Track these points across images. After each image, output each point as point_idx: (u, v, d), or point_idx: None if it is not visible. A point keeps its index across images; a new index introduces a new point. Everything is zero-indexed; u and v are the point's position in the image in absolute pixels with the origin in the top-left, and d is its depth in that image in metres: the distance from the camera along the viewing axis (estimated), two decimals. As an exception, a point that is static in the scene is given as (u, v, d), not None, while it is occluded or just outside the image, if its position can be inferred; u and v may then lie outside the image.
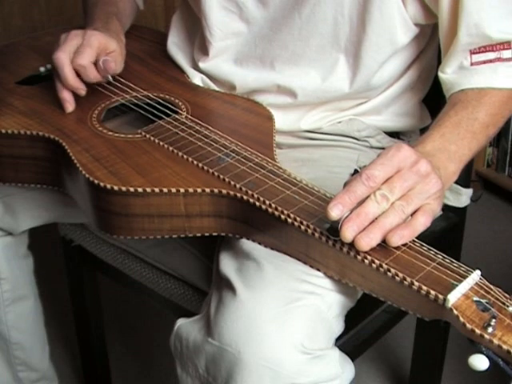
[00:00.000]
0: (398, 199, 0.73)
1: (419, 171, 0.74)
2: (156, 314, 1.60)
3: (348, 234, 0.71)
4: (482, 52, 0.91)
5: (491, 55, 0.91)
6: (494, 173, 2.12)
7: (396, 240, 0.72)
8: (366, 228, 0.72)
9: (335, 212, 0.71)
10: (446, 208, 1.18)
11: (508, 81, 0.91)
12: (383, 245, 0.72)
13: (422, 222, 0.74)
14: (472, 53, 0.91)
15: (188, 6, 1.13)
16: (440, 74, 0.96)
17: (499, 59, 0.91)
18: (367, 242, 0.71)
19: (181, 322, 0.84)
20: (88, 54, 0.98)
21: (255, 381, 0.76)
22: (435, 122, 0.88)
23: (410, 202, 0.73)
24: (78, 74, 0.98)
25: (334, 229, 0.74)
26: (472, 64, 0.91)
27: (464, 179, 1.16)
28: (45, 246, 1.36)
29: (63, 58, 0.97)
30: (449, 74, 0.94)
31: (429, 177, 0.75)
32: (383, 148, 1.07)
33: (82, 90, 0.99)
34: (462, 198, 1.16)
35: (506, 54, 0.91)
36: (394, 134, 1.10)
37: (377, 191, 0.72)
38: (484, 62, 0.91)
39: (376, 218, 0.72)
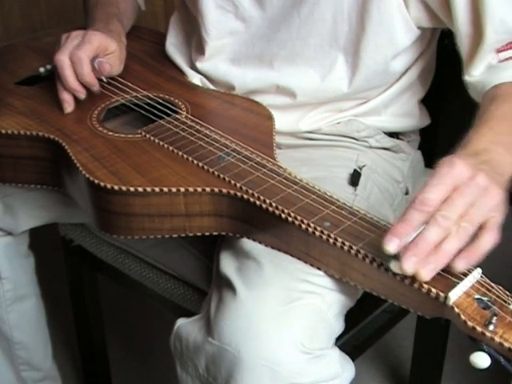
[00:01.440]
0: (460, 219, 0.67)
1: (478, 185, 0.69)
2: (156, 314, 1.60)
3: (407, 266, 0.66)
4: (509, 49, 0.90)
5: None
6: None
7: (462, 266, 0.67)
8: (428, 257, 0.67)
9: (391, 246, 0.67)
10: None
11: None
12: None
13: (489, 240, 0.68)
14: (498, 51, 0.90)
15: (186, 7, 1.13)
16: (467, 79, 0.93)
17: None
18: (429, 273, 0.67)
19: (181, 322, 0.85)
20: (87, 48, 0.98)
21: (255, 380, 0.76)
22: (478, 119, 0.83)
23: (474, 221, 0.68)
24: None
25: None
26: (500, 61, 0.90)
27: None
28: (45, 246, 1.36)
29: (64, 59, 0.97)
30: (477, 76, 0.91)
31: (489, 188, 0.70)
32: (383, 148, 1.07)
33: (82, 93, 0.99)
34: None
35: None
36: (394, 135, 1.10)
37: (437, 213, 0.67)
38: (511, 58, 0.90)
39: (439, 244, 0.67)
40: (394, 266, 0.68)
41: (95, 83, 1.00)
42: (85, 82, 0.99)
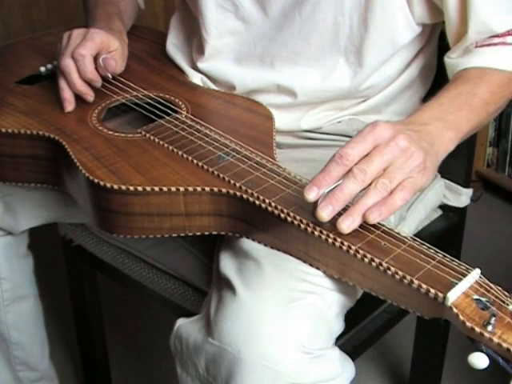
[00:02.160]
0: (379, 176, 0.72)
1: (398, 145, 0.74)
2: (156, 314, 1.60)
3: (322, 213, 0.71)
4: (487, 38, 0.93)
5: (496, 40, 0.92)
6: (494, 173, 2.12)
7: (374, 217, 0.72)
8: (347, 210, 0.72)
9: (311, 194, 0.72)
10: (446, 208, 1.18)
11: (509, 63, 0.92)
12: (384, 244, 0.72)
13: (402, 197, 0.73)
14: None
15: (186, 6, 1.13)
16: (445, 59, 0.97)
17: (503, 43, 0.92)
18: (348, 224, 0.71)
19: (181, 322, 0.85)
20: (89, 46, 0.98)
21: (255, 380, 0.76)
22: (435, 95, 0.87)
23: (392, 178, 0.73)
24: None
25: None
26: (476, 46, 0.93)
27: (464, 179, 1.16)
28: (45, 246, 1.36)
29: (69, 63, 0.97)
30: (453, 57, 0.95)
31: (409, 150, 0.74)
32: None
33: (91, 96, 1.00)
34: (462, 197, 1.16)
35: (510, 39, 0.92)
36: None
37: (354, 167, 0.72)
38: (488, 45, 0.92)
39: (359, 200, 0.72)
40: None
41: (98, 79, 1.01)
42: (88, 79, 0.99)
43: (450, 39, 0.97)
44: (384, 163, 0.73)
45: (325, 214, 0.72)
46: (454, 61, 0.95)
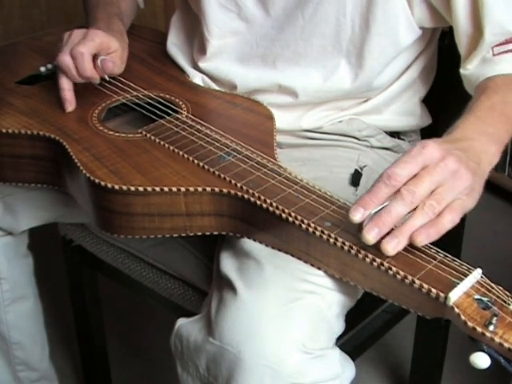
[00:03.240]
0: (427, 198, 0.70)
1: (447, 167, 0.71)
2: (156, 314, 1.60)
3: (368, 235, 0.69)
4: (503, 44, 0.91)
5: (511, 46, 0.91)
6: (494, 173, 2.11)
7: (422, 239, 0.69)
8: (393, 231, 0.69)
9: (356, 216, 0.69)
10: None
11: None
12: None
13: (450, 219, 0.70)
14: (494, 46, 0.91)
15: (187, 6, 1.13)
16: (462, 72, 0.95)
17: None
18: (393, 246, 0.69)
19: (181, 322, 0.85)
20: (89, 45, 0.98)
21: (256, 380, 0.76)
22: (468, 108, 0.85)
23: (441, 200, 0.70)
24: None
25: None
26: (494, 55, 0.91)
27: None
28: (45, 246, 1.36)
29: (67, 60, 0.97)
30: (471, 69, 0.93)
31: (458, 172, 0.72)
32: (384, 148, 1.07)
33: (96, 79, 1.01)
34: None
35: None
36: (395, 134, 1.10)
37: (402, 187, 0.69)
38: (506, 52, 0.91)
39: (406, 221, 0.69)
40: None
41: (97, 76, 1.01)
42: (86, 78, 0.99)
43: (464, 49, 0.94)
44: (433, 185, 0.70)
45: (371, 236, 0.69)
46: (474, 71, 0.93)
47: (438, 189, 0.70)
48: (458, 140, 0.77)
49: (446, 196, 0.71)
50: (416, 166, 0.71)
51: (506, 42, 0.91)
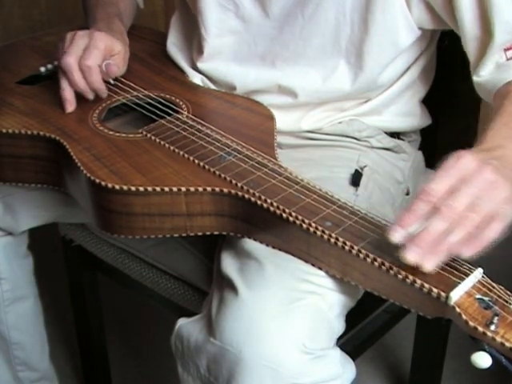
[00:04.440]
0: (466, 210, 0.68)
1: (484, 178, 0.69)
2: (156, 314, 1.60)
3: (409, 256, 0.67)
4: None
5: None
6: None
7: (468, 253, 0.68)
8: (433, 247, 0.67)
9: (395, 236, 0.68)
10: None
11: None
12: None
13: (496, 229, 0.68)
14: (506, 50, 0.90)
15: (186, 6, 1.13)
16: (476, 79, 0.93)
17: None
18: (433, 264, 0.68)
19: (181, 322, 0.85)
20: (95, 56, 0.98)
21: (256, 380, 0.76)
22: (493, 115, 0.84)
23: (481, 212, 0.68)
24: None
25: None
26: (508, 59, 0.90)
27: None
28: (45, 246, 1.36)
29: (72, 63, 0.97)
30: (486, 75, 0.91)
31: (496, 182, 0.70)
32: (384, 148, 1.07)
33: (90, 94, 1.00)
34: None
35: None
36: (395, 135, 1.10)
37: (440, 203, 0.68)
38: None
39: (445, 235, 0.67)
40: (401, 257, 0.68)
41: (104, 90, 1.01)
42: (94, 90, 1.00)
43: (474, 54, 0.92)
44: (471, 197, 0.68)
45: (411, 256, 0.67)
46: (489, 78, 0.91)
47: (476, 200, 0.68)
48: (491, 149, 0.76)
49: (486, 207, 0.68)
50: (452, 178, 0.69)
51: None
